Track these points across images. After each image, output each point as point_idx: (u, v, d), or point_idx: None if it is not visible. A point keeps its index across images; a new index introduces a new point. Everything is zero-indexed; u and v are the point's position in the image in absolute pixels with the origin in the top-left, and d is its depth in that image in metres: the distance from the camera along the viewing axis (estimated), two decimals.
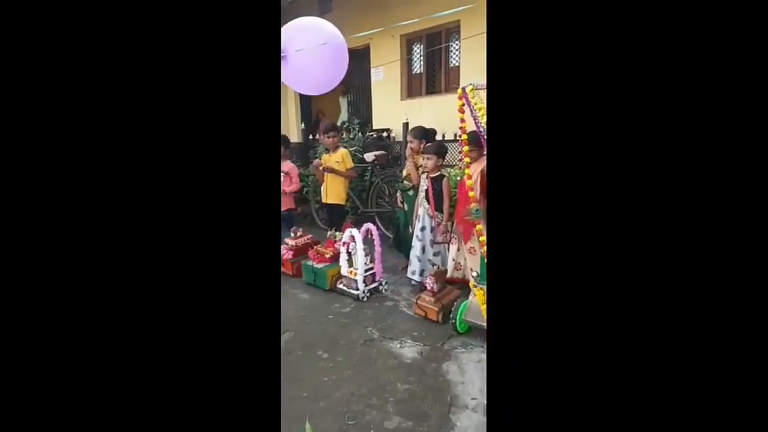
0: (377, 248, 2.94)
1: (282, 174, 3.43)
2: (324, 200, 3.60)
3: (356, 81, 6.23)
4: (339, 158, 3.45)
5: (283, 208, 3.60)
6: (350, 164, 3.49)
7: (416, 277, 2.93)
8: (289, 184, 3.51)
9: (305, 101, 6.63)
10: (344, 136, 4.69)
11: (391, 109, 5.13)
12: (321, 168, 3.47)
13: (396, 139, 4.71)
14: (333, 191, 3.50)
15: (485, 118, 1.82)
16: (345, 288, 2.96)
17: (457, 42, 4.65)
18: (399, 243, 3.30)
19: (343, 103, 6.49)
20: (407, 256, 3.08)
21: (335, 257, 3.07)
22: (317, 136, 5.91)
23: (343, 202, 3.60)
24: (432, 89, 5.11)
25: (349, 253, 2.96)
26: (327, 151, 3.61)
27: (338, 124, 5.67)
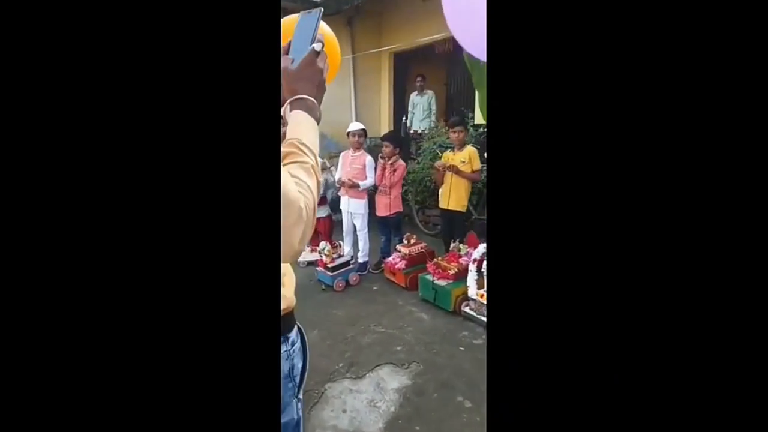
0: None
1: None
2: (443, 205, 3.12)
3: (458, 72, 5.87)
4: (465, 157, 2.96)
5: (392, 211, 3.24)
6: (478, 165, 2.99)
7: None
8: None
9: (398, 92, 6.26)
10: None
11: None
12: (443, 168, 3.01)
13: None
14: (455, 196, 3.02)
15: None
16: (473, 313, 2.50)
17: None
18: None
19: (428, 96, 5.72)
20: None
21: (460, 274, 2.62)
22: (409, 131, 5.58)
23: (464, 209, 3.11)
24: None
25: (480, 273, 2.50)
26: (450, 148, 3.16)
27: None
